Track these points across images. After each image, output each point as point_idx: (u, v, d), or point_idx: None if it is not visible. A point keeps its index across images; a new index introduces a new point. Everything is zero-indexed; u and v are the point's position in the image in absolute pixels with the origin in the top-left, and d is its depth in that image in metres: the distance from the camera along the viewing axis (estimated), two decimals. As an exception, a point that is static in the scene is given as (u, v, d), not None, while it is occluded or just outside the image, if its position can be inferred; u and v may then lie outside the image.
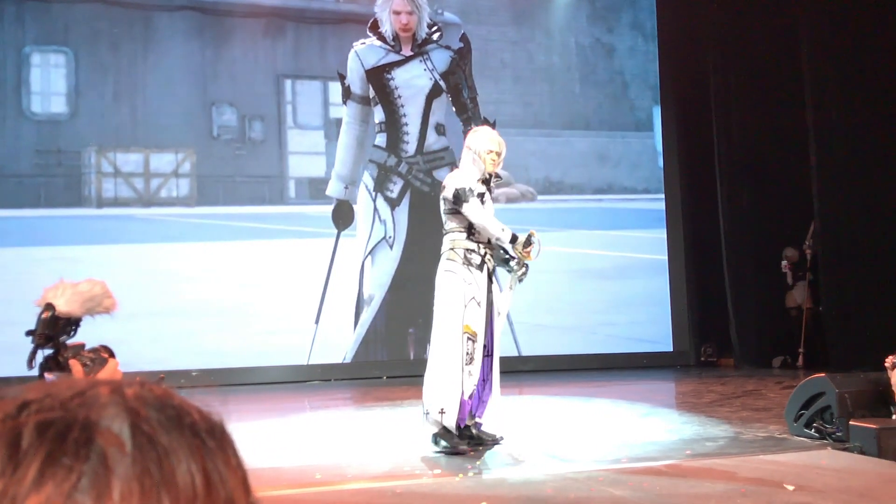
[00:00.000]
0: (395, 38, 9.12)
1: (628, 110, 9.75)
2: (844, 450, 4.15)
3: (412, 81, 9.12)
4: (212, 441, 0.47)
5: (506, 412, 4.54)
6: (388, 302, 8.88)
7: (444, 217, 4.66)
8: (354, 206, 8.93)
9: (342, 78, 9.01)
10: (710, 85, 9.46)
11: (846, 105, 8.87)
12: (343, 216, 8.92)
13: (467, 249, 4.54)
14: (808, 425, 4.52)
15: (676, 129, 9.69)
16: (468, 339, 4.36)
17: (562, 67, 9.63)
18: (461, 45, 9.29)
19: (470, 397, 4.35)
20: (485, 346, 4.49)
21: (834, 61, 8.92)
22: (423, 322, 8.95)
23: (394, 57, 9.13)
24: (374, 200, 8.98)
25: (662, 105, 9.71)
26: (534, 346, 9.12)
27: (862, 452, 4.07)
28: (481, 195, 4.57)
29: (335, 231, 8.87)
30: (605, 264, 9.52)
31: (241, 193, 8.92)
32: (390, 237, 8.95)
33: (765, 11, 9.08)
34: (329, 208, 8.88)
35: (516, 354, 9.08)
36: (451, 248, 4.54)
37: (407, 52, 9.14)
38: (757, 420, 5.01)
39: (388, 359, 8.86)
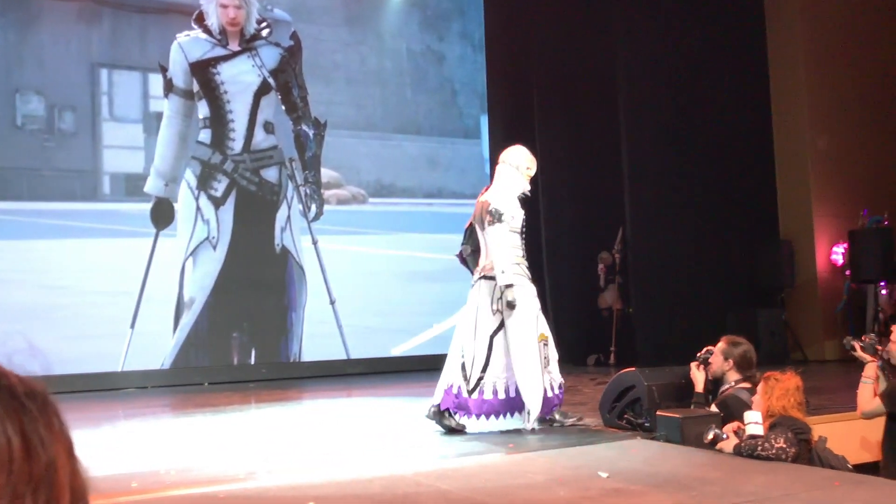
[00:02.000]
0: (222, 31, 8.81)
1: (457, 117, 9.97)
2: (652, 439, 4.44)
3: (239, 77, 8.85)
4: (32, 404, 0.45)
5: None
6: (211, 305, 8.55)
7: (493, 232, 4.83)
8: (175, 205, 8.53)
9: (164, 70, 8.59)
10: (534, 97, 9.88)
11: (656, 120, 9.55)
12: (162, 215, 8.49)
13: (525, 266, 4.93)
14: (620, 417, 4.79)
15: (502, 137, 10.00)
16: (544, 345, 4.83)
17: (394, 72, 9.70)
18: (291, 42, 9.13)
19: (556, 390, 4.88)
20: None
21: (647, 78, 9.59)
22: (247, 326, 8.70)
23: (220, 51, 8.82)
24: (197, 199, 8.62)
25: (489, 114, 10.01)
26: (363, 349, 9.09)
27: (667, 440, 4.37)
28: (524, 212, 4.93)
29: (153, 230, 8.42)
30: (433, 267, 9.66)
31: (49, 188, 8.26)
32: (214, 237, 8.63)
33: (585, 28, 9.60)
34: (147, 206, 8.43)
35: (345, 358, 9.02)
36: (517, 263, 4.81)
37: (234, 46, 8.87)
38: (574, 413, 5.24)
39: (210, 364, 8.52)
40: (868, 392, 4.15)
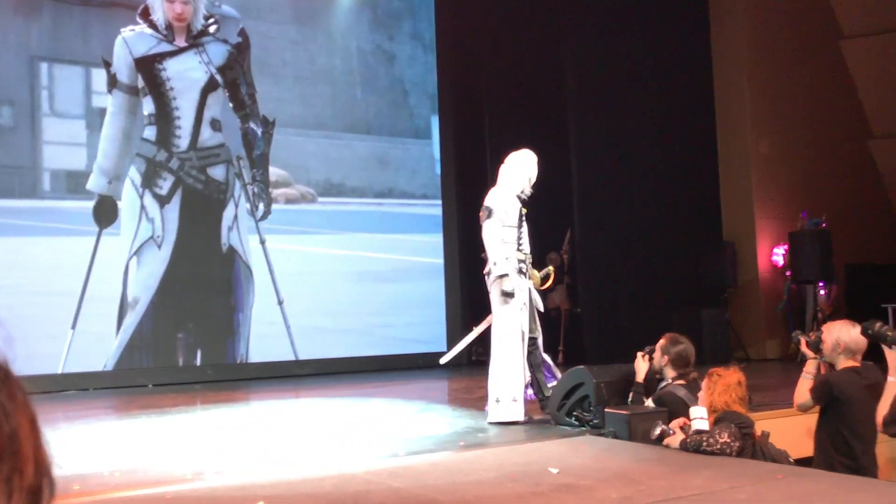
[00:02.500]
0: (168, 27, 8.66)
1: (408, 117, 9.95)
2: (601, 435, 4.49)
3: (186, 74, 8.70)
4: None
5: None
6: (156, 305, 8.38)
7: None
8: (119, 203, 8.35)
9: (107, 65, 8.40)
10: (484, 96, 9.93)
11: (604, 122, 9.69)
12: (105, 213, 8.30)
13: (519, 260, 5.06)
14: (569, 414, 4.83)
15: (453, 137, 10.04)
16: (531, 337, 5.05)
17: (343, 71, 9.64)
18: (239, 39, 9.01)
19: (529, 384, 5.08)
20: (534, 339, 5.19)
21: (595, 81, 9.72)
22: (193, 326, 8.54)
23: (166, 47, 8.66)
24: (142, 197, 8.45)
25: (440, 114, 10.02)
26: (311, 350, 9.01)
27: (616, 437, 4.43)
28: (522, 208, 5.12)
29: (96, 229, 8.23)
30: (383, 267, 9.64)
31: (-14, 185, 8.01)
32: (158, 236, 8.46)
33: (534, 31, 9.70)
34: (90, 204, 8.23)
35: (293, 359, 8.93)
36: (507, 258, 5.02)
37: (181, 42, 8.72)
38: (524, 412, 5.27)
39: (154, 366, 8.35)
40: (805, 386, 4.27)
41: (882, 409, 3.66)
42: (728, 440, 3.85)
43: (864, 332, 3.99)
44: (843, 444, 4.10)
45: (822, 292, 9.73)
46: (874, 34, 10.62)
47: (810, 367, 4.34)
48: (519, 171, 5.20)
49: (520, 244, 5.12)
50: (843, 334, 4.22)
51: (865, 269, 10.36)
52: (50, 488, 0.44)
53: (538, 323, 5.25)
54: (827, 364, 4.36)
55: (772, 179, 10.29)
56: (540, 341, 5.28)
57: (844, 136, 10.91)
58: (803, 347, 4.37)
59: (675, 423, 4.15)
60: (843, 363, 4.22)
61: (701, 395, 4.16)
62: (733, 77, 10.37)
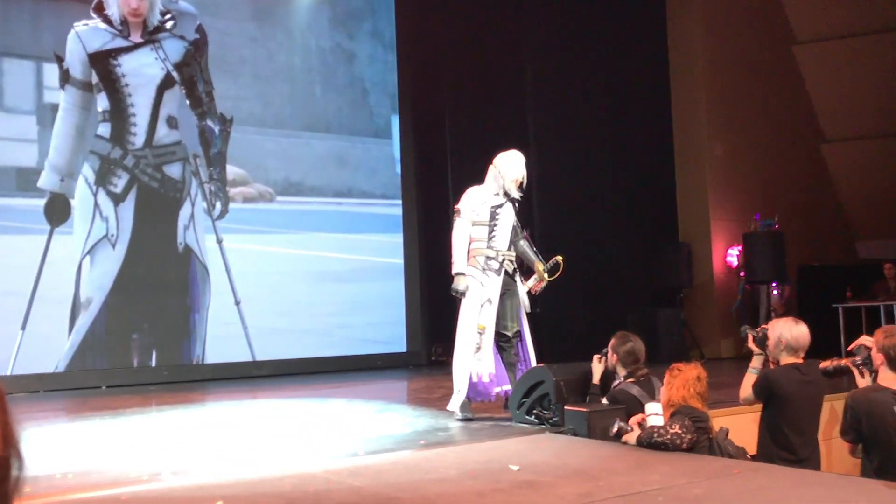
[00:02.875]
0: (123, 22, 8.51)
1: (368, 116, 9.91)
2: (560, 433, 4.52)
3: (141, 70, 8.56)
4: None
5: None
6: (110, 305, 8.22)
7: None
8: (72, 201, 8.18)
9: (60, 60, 8.22)
10: (445, 96, 9.94)
11: (563, 123, 9.76)
12: (58, 211, 8.12)
13: (487, 257, 5.08)
14: (528, 412, 4.85)
15: (413, 137, 10.03)
16: (479, 333, 5.02)
17: (303, 69, 9.57)
18: (197, 36, 8.89)
19: (489, 379, 5.04)
20: (519, 333, 5.19)
21: (555, 82, 9.78)
22: (148, 327, 8.39)
23: (121, 42, 8.51)
24: (96, 195, 8.28)
25: (400, 114, 10.00)
26: (269, 351, 8.92)
27: (575, 434, 4.46)
28: (499, 206, 5.13)
29: (48, 227, 8.04)
30: (342, 267, 9.58)
31: (-69, 181, 7.78)
32: (113, 235, 8.30)
33: (495, 31, 9.73)
34: (41, 202, 8.04)
35: (250, 359, 8.83)
36: (474, 256, 5.10)
37: (136, 38, 8.57)
38: (484, 410, 5.29)
39: (108, 367, 8.19)
40: (749, 381, 4.37)
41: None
42: (679, 431, 3.90)
43: (824, 374, 4.13)
44: (782, 438, 4.19)
45: (774, 292, 9.93)
46: (826, 40, 10.88)
47: (755, 363, 4.44)
48: (495, 171, 5.22)
49: (491, 241, 5.12)
50: (786, 331, 4.30)
51: (817, 270, 10.60)
52: (18, 462, 0.43)
53: (517, 320, 5.19)
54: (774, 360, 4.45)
55: (727, 182, 10.47)
56: (527, 339, 5.21)
57: (797, 140, 11.16)
58: (749, 343, 4.46)
59: (634, 420, 4.19)
60: (786, 360, 4.31)
61: (662, 389, 4.21)
62: (689, 81, 10.53)
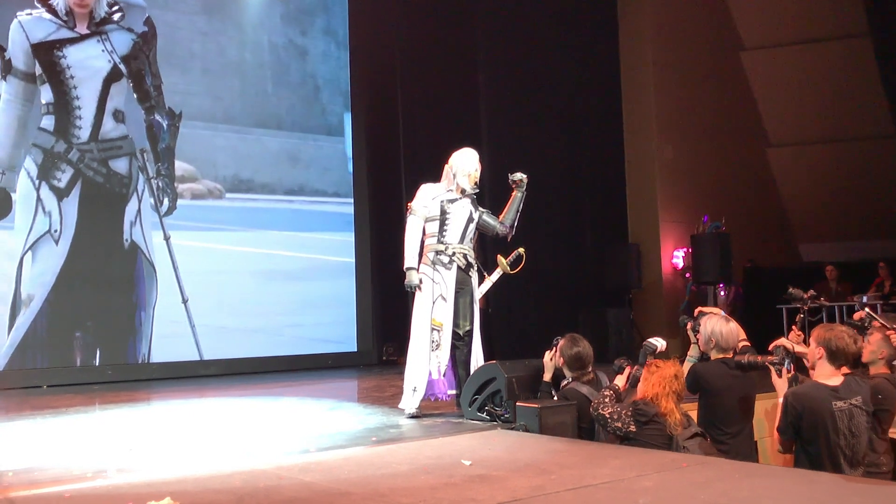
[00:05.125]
0: (69, 12, 8.30)
1: (320, 114, 9.83)
2: (512, 429, 4.53)
3: (87, 62, 8.36)
4: None
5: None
6: (52, 302, 8.01)
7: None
8: (13, 195, 7.95)
9: (1, 50, 7.99)
10: (398, 95, 9.91)
11: (515, 124, 9.81)
12: (-2, 205, 7.89)
13: (436, 252, 5.06)
14: (480, 409, 4.86)
15: (366, 135, 9.98)
16: (434, 329, 4.99)
17: (254, 64, 9.45)
18: (146, 28, 8.72)
19: (444, 375, 5.02)
20: (470, 332, 5.14)
21: (507, 82, 9.83)
22: (92, 325, 8.19)
23: (66, 33, 8.30)
24: (38, 189, 8.06)
25: (353, 112, 9.95)
26: (217, 350, 8.78)
27: (526, 430, 4.47)
28: (451, 201, 5.12)
29: (-12, 222, 7.80)
30: (293, 266, 9.47)
31: None
32: (56, 231, 8.09)
33: (448, 30, 9.75)
34: (-19, 196, 7.81)
35: (198, 359, 8.69)
36: (426, 252, 5.09)
37: (82, 29, 8.37)
38: (435, 408, 5.28)
39: (49, 366, 7.96)
40: (687, 369, 4.45)
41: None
42: (614, 413, 4.03)
43: (737, 366, 4.26)
44: (715, 432, 4.28)
45: (721, 293, 10.12)
46: (772, 47, 11.15)
47: (693, 351, 4.54)
48: (448, 168, 5.22)
49: (442, 236, 5.11)
50: (717, 328, 4.40)
51: (762, 272, 10.83)
52: None
53: (470, 318, 5.15)
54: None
55: (675, 184, 10.65)
56: (476, 337, 5.17)
57: (744, 144, 11.40)
58: (689, 332, 4.57)
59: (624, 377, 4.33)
60: (715, 356, 4.42)
61: (640, 383, 4.23)
62: (639, 85, 10.69)
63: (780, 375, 4.09)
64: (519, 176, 5.29)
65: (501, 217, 5.36)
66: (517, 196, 5.34)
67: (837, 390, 3.82)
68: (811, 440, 3.84)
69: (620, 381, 4.40)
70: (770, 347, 4.28)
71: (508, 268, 5.40)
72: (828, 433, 3.78)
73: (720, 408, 4.36)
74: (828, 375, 3.88)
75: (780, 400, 4.00)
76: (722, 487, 3.22)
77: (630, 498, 2.99)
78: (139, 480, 3.28)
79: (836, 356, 3.86)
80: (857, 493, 3.12)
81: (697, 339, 4.59)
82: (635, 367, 4.37)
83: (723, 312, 4.77)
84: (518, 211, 5.36)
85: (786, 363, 4.10)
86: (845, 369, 3.95)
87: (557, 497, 3.03)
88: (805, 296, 4.87)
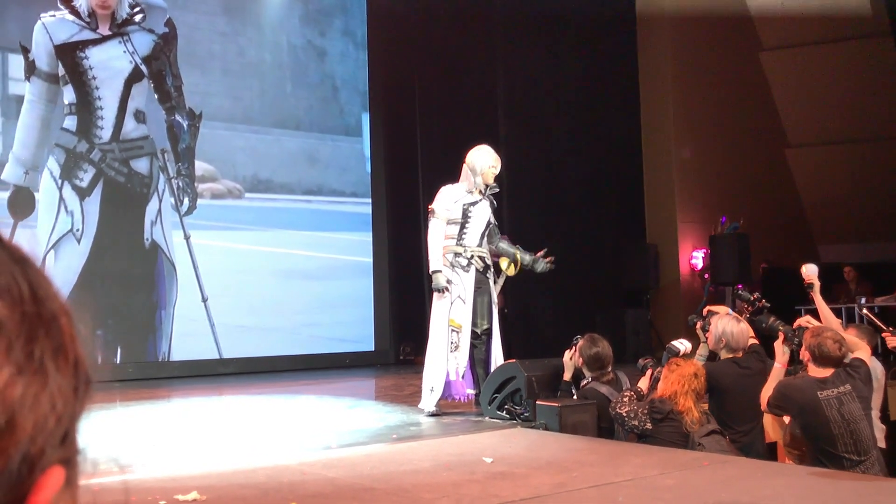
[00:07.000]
0: (91, 14, 8.39)
1: (338, 114, 9.88)
2: (532, 427, 4.55)
3: (109, 63, 8.44)
4: (30, 264, 0.48)
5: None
6: (74, 301, 7.93)
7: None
8: (36, 194, 8.03)
9: (25, 51, 8.08)
10: (416, 96, 9.94)
11: (534, 124, 9.82)
12: (21, 204, 7.97)
13: (455, 254, 5.11)
14: (500, 407, 4.88)
15: (384, 135, 10.01)
16: (452, 330, 5.02)
17: (273, 65, 9.50)
18: (166, 30, 8.79)
19: (462, 377, 5.05)
20: (489, 331, 5.19)
21: (526, 84, 9.83)
22: (113, 324, 8.26)
23: (89, 34, 8.38)
24: (61, 189, 8.15)
25: (371, 112, 9.98)
26: (236, 349, 8.84)
27: (546, 428, 4.49)
28: (472, 204, 5.15)
29: (11, 220, 7.88)
30: (311, 265, 9.52)
31: None
32: (78, 230, 8.17)
33: (467, 31, 9.76)
34: (4, 195, 7.90)
35: (217, 357, 8.75)
36: (444, 254, 5.12)
37: (104, 30, 8.45)
38: (454, 407, 5.30)
39: (71, 364, 8.03)
40: None
41: (766, 392, 4.02)
42: (631, 411, 4.04)
43: (758, 327, 4.29)
44: (725, 429, 4.31)
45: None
46: (791, 47, 11.09)
47: (702, 350, 4.55)
48: (467, 167, 5.24)
49: (461, 238, 5.14)
50: (728, 328, 4.42)
51: (781, 272, 10.76)
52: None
53: (489, 317, 5.20)
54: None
55: (693, 185, 10.62)
56: (496, 336, 5.21)
57: (762, 144, 11.34)
58: (698, 331, 4.60)
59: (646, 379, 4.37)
60: (725, 356, 4.44)
61: (660, 381, 4.25)
62: (658, 85, 10.67)
63: (786, 344, 4.16)
64: (528, 263, 5.42)
65: (501, 242, 5.43)
66: (517, 256, 5.41)
67: (824, 381, 3.89)
68: (807, 429, 3.91)
69: (644, 383, 4.41)
70: (794, 326, 4.34)
71: (513, 267, 5.50)
72: (817, 420, 3.81)
73: (731, 406, 4.37)
74: (818, 373, 3.96)
75: (775, 364, 4.17)
76: (744, 486, 3.22)
77: (653, 495, 3.00)
78: (165, 475, 3.32)
79: (822, 360, 3.94)
80: (881, 492, 3.12)
81: (707, 338, 4.60)
82: (657, 370, 4.38)
83: (731, 311, 4.79)
84: (506, 254, 5.43)
85: (795, 341, 4.17)
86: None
87: (580, 494, 3.04)
88: (752, 297, 4.95)
